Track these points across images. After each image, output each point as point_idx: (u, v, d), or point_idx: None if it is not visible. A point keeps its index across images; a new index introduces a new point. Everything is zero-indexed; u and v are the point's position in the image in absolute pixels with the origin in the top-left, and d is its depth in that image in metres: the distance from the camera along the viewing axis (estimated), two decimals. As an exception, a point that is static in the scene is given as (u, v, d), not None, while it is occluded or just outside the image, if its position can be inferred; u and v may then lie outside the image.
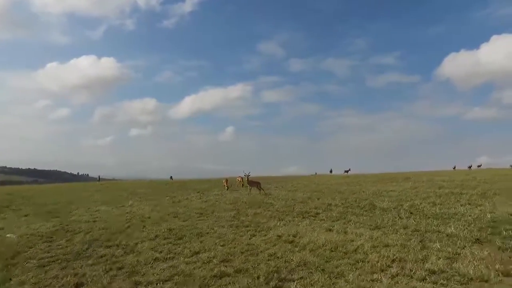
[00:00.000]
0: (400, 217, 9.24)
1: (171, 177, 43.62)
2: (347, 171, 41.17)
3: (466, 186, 15.64)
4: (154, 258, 6.77)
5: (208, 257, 6.59)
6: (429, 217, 9.09)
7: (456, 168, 36.13)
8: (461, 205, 10.47)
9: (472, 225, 7.87)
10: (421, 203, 11.24)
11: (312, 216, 10.30)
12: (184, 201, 15.71)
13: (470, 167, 36.19)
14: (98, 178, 36.97)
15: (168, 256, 6.87)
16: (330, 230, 8.15)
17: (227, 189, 21.30)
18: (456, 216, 8.94)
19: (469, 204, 10.61)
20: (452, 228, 7.43)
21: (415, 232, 7.53)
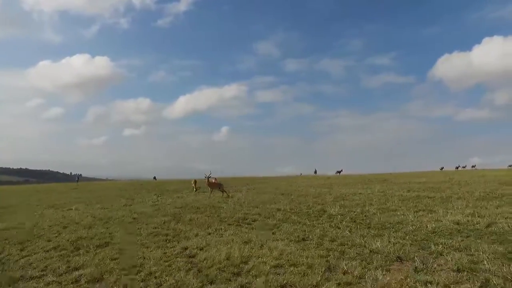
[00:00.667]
0: (337, 227, 8.16)
1: (154, 178, 42.90)
2: (339, 172, 40.09)
3: (436, 189, 14.51)
4: (19, 276, 5.77)
5: (79, 275, 5.57)
6: (370, 227, 8.01)
7: (443, 169, 34.98)
8: (415, 212, 9.36)
9: (408, 237, 6.78)
10: (373, 209, 10.16)
11: (247, 223, 9.26)
12: (137, 205, 14.74)
13: (457, 167, 35.01)
14: (76, 179, 36.13)
15: (39, 273, 5.85)
16: (247, 242, 7.09)
17: (195, 190, 20.36)
18: (399, 226, 7.85)
19: (424, 210, 9.50)
20: (378, 243, 6.32)
21: (339, 247, 6.44)
